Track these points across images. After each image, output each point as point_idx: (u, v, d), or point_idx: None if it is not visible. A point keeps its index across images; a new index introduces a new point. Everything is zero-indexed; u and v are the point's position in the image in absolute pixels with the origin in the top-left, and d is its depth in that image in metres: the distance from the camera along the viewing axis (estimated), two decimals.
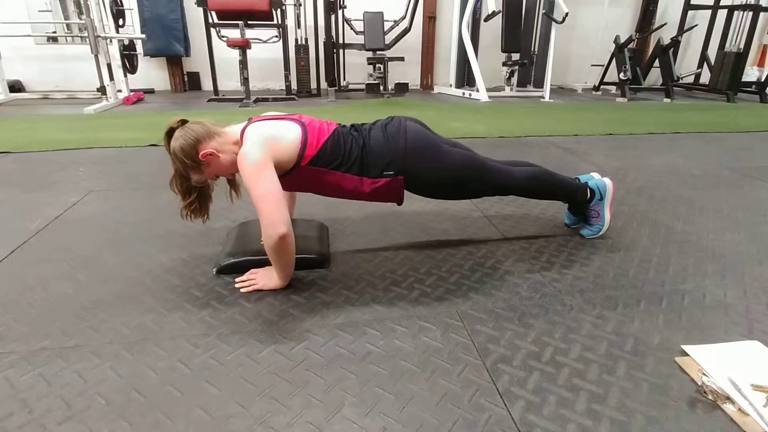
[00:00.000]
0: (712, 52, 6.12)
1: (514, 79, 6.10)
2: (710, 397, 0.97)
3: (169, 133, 1.34)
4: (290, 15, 5.51)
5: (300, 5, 5.47)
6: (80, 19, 4.79)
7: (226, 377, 1.02)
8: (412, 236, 1.76)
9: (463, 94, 5.85)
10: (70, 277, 1.42)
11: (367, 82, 5.42)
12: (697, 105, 5.45)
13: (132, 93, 5.14)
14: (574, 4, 6.25)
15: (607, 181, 1.72)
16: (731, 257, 1.62)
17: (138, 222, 1.85)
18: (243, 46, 4.78)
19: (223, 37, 4.96)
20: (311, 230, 1.67)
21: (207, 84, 5.84)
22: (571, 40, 6.88)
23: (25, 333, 1.16)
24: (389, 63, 5.54)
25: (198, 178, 1.37)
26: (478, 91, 5.55)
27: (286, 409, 0.93)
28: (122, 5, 5.16)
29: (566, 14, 5.29)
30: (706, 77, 6.25)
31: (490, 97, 5.50)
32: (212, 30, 5.09)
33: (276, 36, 5.27)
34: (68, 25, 5.58)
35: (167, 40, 5.56)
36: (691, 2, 6.41)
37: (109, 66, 4.76)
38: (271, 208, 1.24)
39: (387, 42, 5.55)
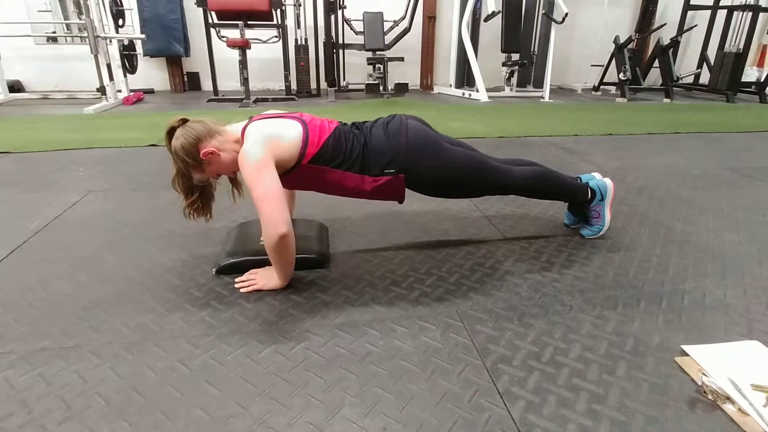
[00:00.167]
0: (712, 53, 6.13)
1: (514, 80, 6.10)
2: (710, 397, 0.97)
3: (170, 133, 1.34)
4: (290, 15, 5.51)
5: (300, 5, 5.47)
6: (80, 19, 4.79)
7: (226, 377, 1.02)
8: (412, 236, 1.76)
9: (463, 94, 5.86)
10: (69, 277, 1.42)
11: (367, 82, 5.43)
12: (696, 105, 5.46)
13: (132, 93, 5.14)
14: (573, 5, 6.26)
15: (608, 181, 1.72)
16: (731, 257, 1.62)
17: (138, 222, 1.85)
18: (243, 46, 4.78)
19: (222, 37, 4.96)
20: (311, 230, 1.67)
21: (207, 84, 5.84)
22: (571, 40, 6.88)
23: (25, 333, 1.15)
24: (389, 63, 5.54)
25: (200, 176, 1.37)
26: (477, 91, 5.55)
27: (286, 409, 0.93)
28: (122, 5, 5.16)
29: (566, 14, 5.29)
30: (705, 77, 6.26)
31: (489, 97, 5.50)
32: (212, 30, 5.09)
33: (276, 36, 5.27)
34: (68, 25, 5.58)
35: (167, 41, 5.56)
36: (691, 2, 6.41)
37: (108, 66, 4.76)
38: (272, 207, 1.24)
39: (387, 42, 5.55)
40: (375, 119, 1.53)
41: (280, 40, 5.30)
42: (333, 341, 1.14)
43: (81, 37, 5.06)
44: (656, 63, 6.07)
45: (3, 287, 1.36)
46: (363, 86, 5.44)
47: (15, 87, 5.42)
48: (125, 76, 5.14)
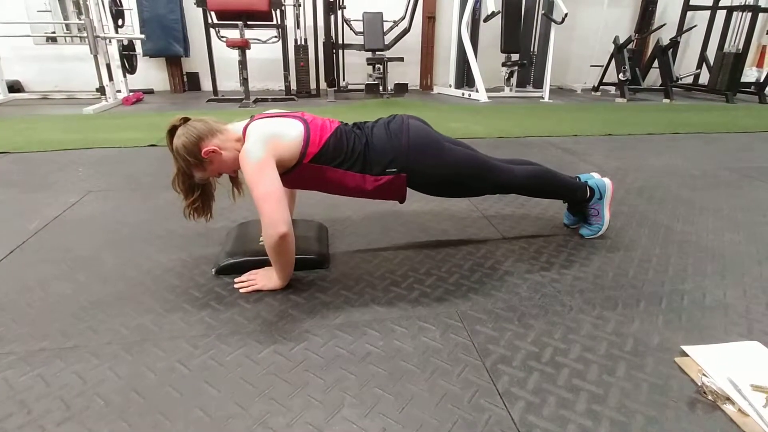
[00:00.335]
0: (711, 53, 6.13)
1: (514, 80, 6.11)
2: (710, 397, 0.97)
3: (171, 132, 1.34)
4: (290, 15, 5.51)
5: (299, 5, 5.47)
6: (79, 19, 4.78)
7: (226, 378, 1.01)
8: (412, 236, 1.76)
9: (463, 94, 5.86)
10: (69, 278, 1.42)
11: (367, 82, 5.43)
12: (696, 105, 5.46)
13: (131, 93, 5.14)
14: (573, 5, 6.26)
15: (607, 180, 1.72)
16: (731, 257, 1.62)
17: (137, 222, 1.84)
18: (242, 46, 4.78)
19: (222, 37, 4.96)
20: (311, 231, 1.66)
21: (206, 84, 5.84)
22: (571, 40, 6.88)
23: (24, 334, 1.15)
24: (389, 63, 5.54)
25: (201, 175, 1.36)
26: (477, 91, 5.55)
27: (286, 409, 0.93)
28: (121, 5, 5.16)
29: (565, 15, 5.29)
30: (705, 78, 6.26)
31: (489, 97, 5.50)
32: (212, 30, 5.09)
33: (275, 36, 5.27)
34: (67, 26, 5.58)
35: (166, 41, 5.56)
36: (690, 3, 6.41)
37: (108, 66, 4.76)
38: (272, 207, 1.24)
39: (386, 42, 5.56)
40: (376, 119, 1.53)
41: (280, 41, 5.30)
42: (332, 342, 1.14)
43: (80, 37, 5.05)
44: (656, 63, 6.07)
45: (2, 288, 1.36)
46: (363, 86, 5.44)
47: (14, 87, 5.42)
48: (125, 76, 5.14)
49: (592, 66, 6.76)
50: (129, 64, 5.33)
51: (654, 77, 6.65)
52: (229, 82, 6.00)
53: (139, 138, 3.24)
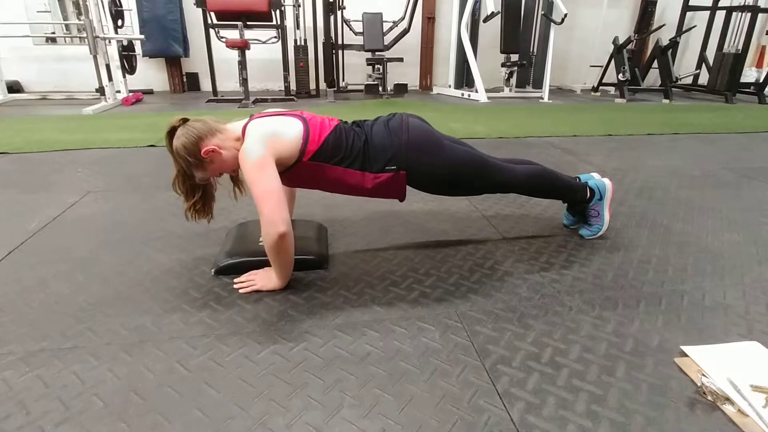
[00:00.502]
0: (711, 53, 6.13)
1: (513, 80, 6.11)
2: (710, 398, 0.96)
3: (171, 133, 1.34)
4: (289, 16, 5.51)
5: (299, 6, 5.47)
6: (79, 19, 4.78)
7: (225, 378, 1.01)
8: (411, 237, 1.76)
9: (462, 94, 5.86)
10: (68, 278, 1.42)
11: (366, 82, 5.43)
12: (695, 106, 5.46)
13: (131, 94, 5.13)
14: (572, 5, 6.26)
15: (607, 181, 1.72)
16: (730, 258, 1.62)
17: (136, 222, 1.84)
18: (242, 46, 4.78)
19: (222, 37, 4.95)
20: (310, 231, 1.66)
21: (206, 85, 5.84)
22: (570, 41, 6.89)
23: (23, 334, 1.15)
24: (388, 64, 5.54)
25: (202, 175, 1.37)
26: (477, 91, 5.55)
27: (285, 410, 0.93)
28: (121, 6, 5.15)
29: (565, 15, 5.29)
30: (704, 78, 6.26)
31: (489, 97, 5.50)
32: (211, 31, 5.08)
33: (275, 37, 5.27)
34: (67, 26, 5.57)
35: (166, 41, 5.55)
36: (690, 3, 6.42)
37: (107, 67, 4.76)
38: (271, 206, 1.24)
39: (386, 43, 5.56)
40: (375, 118, 1.53)
41: (280, 41, 5.30)
42: (332, 342, 1.14)
43: (80, 37, 5.05)
44: (655, 64, 6.07)
45: (1, 288, 1.36)
46: (362, 87, 5.44)
47: (14, 87, 5.42)
48: (124, 76, 5.14)
49: (591, 66, 6.76)
50: (128, 64, 5.33)
51: (653, 78, 6.65)
52: (229, 83, 6.00)
53: (139, 138, 3.24)
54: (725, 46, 6.08)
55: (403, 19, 5.68)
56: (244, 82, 4.93)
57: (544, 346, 1.13)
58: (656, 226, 1.88)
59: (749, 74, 6.65)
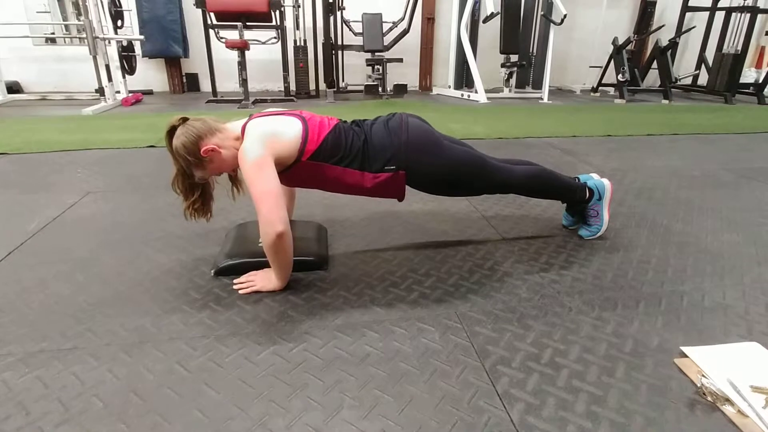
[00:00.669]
0: (710, 54, 6.14)
1: (513, 81, 6.11)
2: (709, 398, 0.97)
3: (171, 132, 1.34)
4: (289, 16, 5.51)
5: (299, 6, 5.47)
6: (79, 20, 4.78)
7: (225, 379, 1.01)
8: (411, 237, 1.76)
9: (462, 95, 5.86)
10: (68, 279, 1.42)
11: (366, 83, 5.43)
12: (695, 106, 5.47)
13: (130, 94, 5.13)
14: (572, 6, 6.26)
15: (606, 181, 1.72)
16: (730, 258, 1.62)
17: (136, 223, 1.84)
18: (241, 47, 4.78)
19: (221, 38, 4.95)
20: (310, 231, 1.66)
21: (206, 85, 5.84)
22: (570, 41, 6.89)
23: (23, 335, 1.15)
24: (388, 64, 5.54)
25: (201, 175, 1.37)
26: (476, 92, 5.55)
27: (285, 411, 0.93)
28: (121, 6, 5.15)
29: (564, 16, 5.30)
30: (704, 79, 6.27)
31: (488, 98, 5.51)
32: (211, 31, 5.08)
33: (275, 37, 5.27)
34: (67, 27, 5.57)
35: (166, 42, 5.55)
36: (689, 4, 6.42)
37: (107, 67, 4.76)
38: (270, 206, 1.24)
39: (386, 43, 5.56)
40: (375, 117, 1.53)
41: (279, 41, 5.30)
42: (332, 343, 1.14)
43: (80, 38, 5.05)
44: (655, 64, 6.08)
45: (1, 289, 1.36)
46: (362, 87, 5.44)
47: (13, 88, 5.41)
48: (124, 77, 5.14)
49: (591, 67, 6.77)
50: (128, 65, 5.32)
51: (653, 78, 6.65)
52: (229, 83, 6.00)
53: (138, 139, 3.23)
54: (724, 46, 6.09)
55: (402, 19, 5.68)
56: (243, 82, 4.93)
57: (543, 347, 1.13)
58: (656, 227, 1.88)
59: (748, 75, 6.65)
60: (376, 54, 5.52)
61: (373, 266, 1.53)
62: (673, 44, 5.96)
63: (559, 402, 0.96)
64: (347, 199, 2.11)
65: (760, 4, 5.82)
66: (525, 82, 6.55)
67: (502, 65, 5.96)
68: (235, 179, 1.49)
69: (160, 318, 1.23)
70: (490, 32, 6.02)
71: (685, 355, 1.10)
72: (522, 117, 4.48)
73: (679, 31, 6.27)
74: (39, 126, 3.72)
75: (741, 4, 5.82)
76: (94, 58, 4.60)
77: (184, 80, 6.04)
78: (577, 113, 4.83)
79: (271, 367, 1.05)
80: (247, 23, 4.95)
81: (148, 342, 1.13)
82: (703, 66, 6.27)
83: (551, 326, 1.22)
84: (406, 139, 1.43)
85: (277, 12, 5.10)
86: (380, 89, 5.48)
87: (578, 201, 1.72)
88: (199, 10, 4.92)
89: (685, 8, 6.46)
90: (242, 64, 4.87)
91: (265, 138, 1.31)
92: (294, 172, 1.40)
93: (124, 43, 5.20)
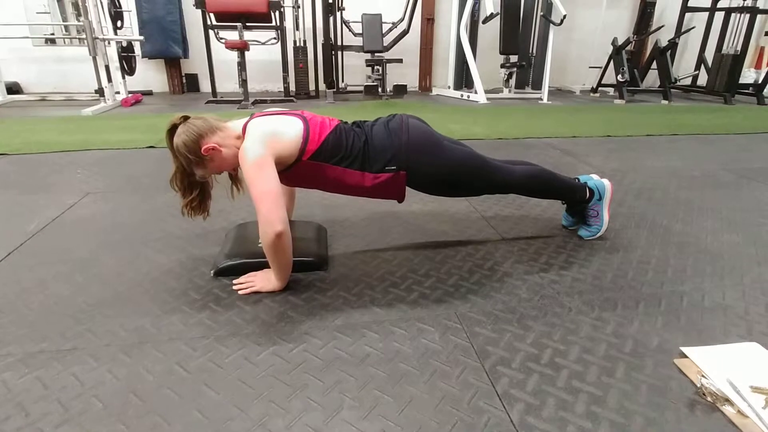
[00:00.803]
0: (710, 54, 6.14)
1: (513, 81, 6.11)
2: (709, 399, 0.96)
3: (172, 130, 1.35)
4: (289, 17, 5.51)
5: (298, 7, 5.47)
6: (78, 21, 4.78)
7: (224, 380, 1.01)
8: (411, 238, 1.76)
9: (462, 95, 5.86)
10: (67, 279, 1.42)
11: (366, 83, 5.43)
12: (694, 107, 5.47)
13: (130, 95, 5.13)
14: (571, 7, 6.27)
15: (606, 182, 1.72)
16: (730, 258, 1.62)
17: (136, 224, 1.84)
18: (241, 47, 4.78)
19: (221, 38, 4.96)
20: (309, 232, 1.66)
21: (205, 86, 5.84)
22: (569, 42, 6.89)
23: (22, 335, 1.15)
24: (388, 65, 5.54)
25: (201, 173, 1.37)
26: (476, 92, 5.56)
27: (285, 411, 0.93)
28: (120, 7, 5.16)
29: (564, 16, 5.30)
30: (703, 79, 6.27)
31: (488, 98, 5.51)
32: (211, 32, 5.09)
33: (274, 38, 5.27)
34: (66, 27, 5.57)
35: (165, 42, 5.55)
36: (689, 4, 6.43)
37: (107, 68, 4.76)
38: (269, 205, 1.24)
39: (385, 44, 5.56)
40: (375, 118, 1.54)
41: (279, 42, 5.30)
42: (331, 343, 1.14)
43: (79, 38, 5.05)
44: (654, 65, 6.08)
45: (0, 289, 1.36)
46: (362, 88, 5.44)
47: (13, 89, 5.41)
48: (123, 77, 5.14)
49: (590, 67, 6.77)
50: (128, 65, 5.33)
51: (652, 78, 6.66)
52: (228, 84, 6.00)
53: (138, 139, 3.23)
54: (724, 47, 6.09)
55: (402, 20, 5.69)
56: (243, 83, 4.93)
57: (543, 347, 1.13)
58: (655, 227, 1.88)
59: (748, 75, 6.66)
60: (376, 54, 5.52)
61: (372, 267, 1.53)
62: (673, 45, 5.96)
63: (559, 402, 0.96)
64: (347, 199, 2.11)
65: (760, 5, 5.82)
66: (525, 83, 6.55)
67: (502, 66, 5.97)
68: (236, 178, 1.49)
69: (159, 318, 1.23)
70: (490, 33, 6.02)
71: (684, 356, 1.10)
72: (521, 117, 4.48)
73: (679, 32, 6.27)
74: (39, 127, 3.72)
75: (740, 5, 5.82)
76: (94, 58, 4.60)
77: (184, 81, 6.04)
78: (577, 114, 4.84)
79: (270, 368, 1.05)
80: (247, 24, 4.95)
81: (148, 343, 1.13)
82: (702, 66, 6.28)
83: (551, 327, 1.22)
84: (406, 140, 1.43)
85: (277, 12, 5.10)
86: (380, 90, 5.49)
87: (578, 201, 1.72)
88: (199, 11, 4.92)
89: (685, 9, 6.46)
90: (242, 65, 4.87)
91: (266, 137, 1.31)
92: (295, 171, 1.40)
93: (124, 44, 5.20)
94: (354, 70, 6.11)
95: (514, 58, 5.95)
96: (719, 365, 1.06)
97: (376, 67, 5.54)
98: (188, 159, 1.32)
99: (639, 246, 1.71)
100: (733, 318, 1.27)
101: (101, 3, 4.69)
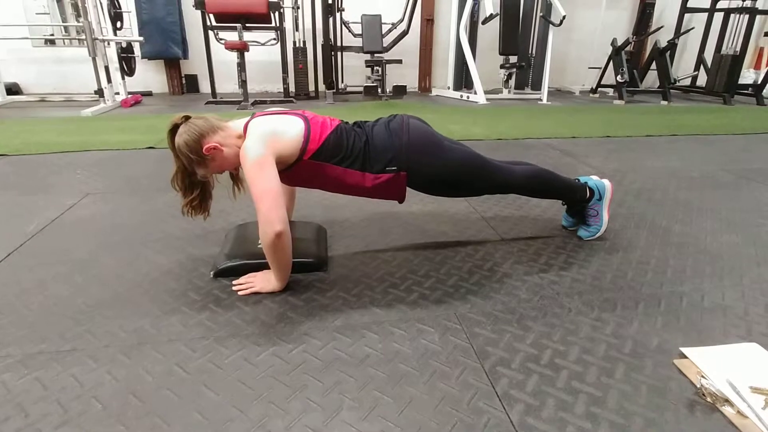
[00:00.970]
0: (709, 55, 6.15)
1: (512, 82, 6.12)
2: (709, 399, 0.96)
3: (173, 130, 1.35)
4: (288, 17, 5.52)
5: (298, 8, 5.48)
6: (78, 21, 4.78)
7: (224, 381, 1.01)
8: (411, 238, 1.76)
9: (461, 96, 5.86)
10: (67, 280, 1.42)
11: (365, 84, 5.43)
12: (693, 107, 5.48)
13: (130, 95, 5.14)
14: (571, 7, 6.27)
15: (606, 182, 1.72)
16: (729, 259, 1.62)
17: (135, 224, 1.84)
18: (241, 48, 4.78)
19: (221, 39, 4.96)
20: (309, 233, 1.66)
21: (205, 86, 5.84)
22: (569, 42, 6.90)
23: (22, 336, 1.15)
24: (387, 65, 5.55)
25: (203, 172, 1.38)
26: (476, 93, 5.56)
27: (284, 412, 0.93)
28: (120, 8, 5.16)
29: (563, 17, 5.31)
30: (703, 80, 6.28)
31: (487, 99, 5.51)
32: (210, 32, 5.09)
33: (274, 38, 5.27)
34: (66, 28, 5.58)
35: (165, 43, 5.56)
36: (688, 5, 6.43)
37: (106, 68, 4.76)
38: (269, 205, 1.24)
39: (385, 45, 5.56)
40: (376, 119, 1.54)
41: (279, 43, 5.30)
42: (331, 344, 1.14)
43: (79, 39, 5.06)
44: (653, 65, 6.09)
45: (0, 290, 1.36)
46: (361, 88, 5.44)
47: (12, 89, 5.42)
48: (123, 78, 5.14)
49: (590, 68, 6.78)
50: (127, 66, 5.33)
51: (652, 79, 6.66)
52: (228, 85, 6.00)
53: (138, 140, 3.23)
54: (723, 47, 6.10)
55: (402, 20, 5.69)
56: (243, 83, 4.93)
57: (543, 348, 1.13)
58: (655, 228, 1.88)
59: (747, 76, 6.66)
60: (376, 55, 5.52)
61: (372, 267, 1.53)
62: (672, 45, 5.97)
63: (559, 403, 0.96)
64: (347, 200, 2.11)
65: (759, 5, 5.83)
66: (524, 83, 6.56)
67: (501, 66, 5.97)
68: (237, 178, 1.50)
69: (159, 319, 1.23)
70: (489, 33, 6.03)
71: (684, 356, 1.10)
72: (521, 118, 4.48)
73: (678, 32, 6.28)
74: (38, 127, 3.72)
75: (740, 6, 5.83)
76: (94, 59, 4.60)
77: (184, 81, 6.05)
78: (576, 114, 4.84)
79: (270, 369, 1.05)
80: (247, 24, 4.96)
81: (147, 343, 1.13)
82: (701, 67, 6.29)
83: (551, 327, 1.22)
84: (407, 141, 1.44)
85: (277, 13, 5.10)
86: (379, 90, 5.49)
87: (578, 201, 1.72)
88: (199, 12, 4.92)
89: (684, 9, 6.47)
90: (241, 66, 4.87)
91: (267, 137, 1.31)
92: (295, 171, 1.40)
93: (124, 45, 5.21)
94: (354, 70, 6.12)
95: (513, 59, 5.96)
96: (719, 366, 1.06)
97: (375, 68, 5.54)
98: (190, 158, 1.33)
99: (638, 246, 1.71)
100: (732, 318, 1.27)
101: (101, 4, 4.70)
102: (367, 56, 5.56)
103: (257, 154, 1.27)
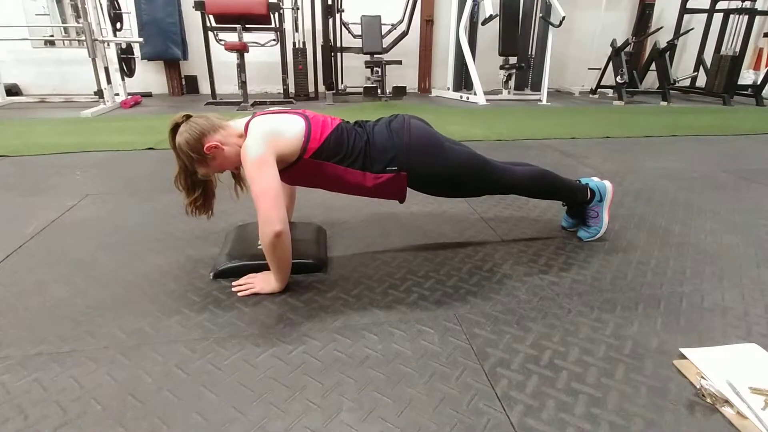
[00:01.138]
0: (709, 56, 6.15)
1: (512, 83, 6.13)
2: (709, 400, 0.96)
3: (174, 129, 1.35)
4: (288, 18, 5.52)
5: (298, 9, 5.48)
6: (78, 22, 4.78)
7: (224, 382, 1.01)
8: (410, 239, 1.76)
9: (461, 97, 5.87)
10: (66, 281, 1.42)
11: (365, 85, 5.44)
12: (693, 108, 5.48)
13: (129, 96, 5.14)
14: (570, 8, 6.28)
15: (608, 183, 1.72)
16: (729, 260, 1.62)
17: (135, 225, 1.84)
18: (241, 49, 4.78)
19: (220, 40, 4.96)
20: (309, 233, 1.66)
21: (205, 87, 5.85)
22: (568, 43, 6.91)
23: (21, 338, 1.15)
24: (387, 66, 5.55)
25: (204, 171, 1.38)
26: (475, 94, 5.57)
27: (284, 414, 0.93)
28: (120, 9, 5.16)
29: (563, 18, 5.31)
30: (702, 80, 6.29)
31: (487, 100, 5.52)
32: (210, 33, 5.09)
33: (274, 39, 5.28)
34: (66, 29, 5.58)
35: (165, 44, 5.56)
36: (687, 6, 6.44)
37: (106, 69, 4.76)
38: (269, 204, 1.24)
39: (385, 45, 5.57)
40: (377, 118, 1.54)
41: (278, 44, 5.31)
42: (331, 345, 1.14)
43: (79, 40, 5.06)
44: (653, 66, 6.10)
45: None
46: (361, 89, 5.45)
47: (12, 90, 5.42)
48: (123, 79, 5.14)
49: (589, 69, 6.79)
50: (127, 67, 5.33)
51: (651, 80, 6.67)
52: (228, 85, 6.01)
53: (137, 141, 3.24)
54: (723, 48, 6.11)
55: (401, 21, 5.70)
56: (242, 84, 4.93)
57: (543, 349, 1.13)
58: (655, 228, 1.88)
59: (747, 76, 6.67)
60: (375, 56, 5.53)
61: (372, 268, 1.53)
62: (672, 46, 5.98)
63: (559, 404, 0.96)
64: (347, 200, 2.11)
65: (758, 6, 5.84)
66: (524, 84, 6.57)
67: (501, 67, 5.98)
68: (238, 177, 1.50)
69: (158, 320, 1.23)
70: (489, 34, 6.03)
71: (684, 357, 1.10)
72: (521, 119, 4.49)
73: (678, 33, 6.29)
74: (38, 128, 3.72)
75: (739, 6, 5.84)
76: (93, 60, 4.61)
77: (183, 82, 6.05)
78: (576, 115, 4.84)
79: (270, 370, 1.05)
80: (246, 25, 4.96)
81: (147, 345, 1.13)
82: (701, 68, 6.29)
83: (550, 328, 1.22)
84: (408, 141, 1.44)
85: (276, 14, 5.11)
86: (379, 91, 5.49)
87: (579, 202, 1.72)
88: (198, 13, 4.93)
89: (684, 10, 6.48)
90: (241, 67, 4.87)
91: (268, 136, 1.31)
92: (296, 170, 1.40)
93: (123, 46, 5.21)
94: (353, 71, 6.13)
95: (513, 60, 5.97)
96: (718, 366, 1.06)
97: (375, 69, 5.55)
98: (191, 157, 1.33)
99: (638, 247, 1.71)
100: (732, 319, 1.27)
101: (100, 5, 4.70)
102: (367, 57, 5.57)
103: (258, 152, 1.27)
